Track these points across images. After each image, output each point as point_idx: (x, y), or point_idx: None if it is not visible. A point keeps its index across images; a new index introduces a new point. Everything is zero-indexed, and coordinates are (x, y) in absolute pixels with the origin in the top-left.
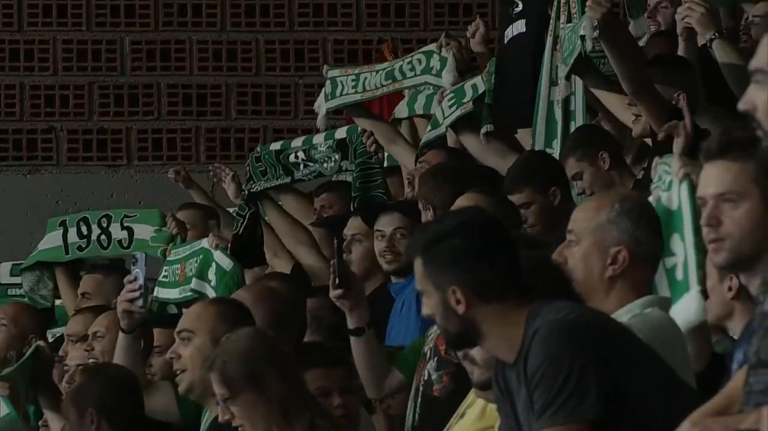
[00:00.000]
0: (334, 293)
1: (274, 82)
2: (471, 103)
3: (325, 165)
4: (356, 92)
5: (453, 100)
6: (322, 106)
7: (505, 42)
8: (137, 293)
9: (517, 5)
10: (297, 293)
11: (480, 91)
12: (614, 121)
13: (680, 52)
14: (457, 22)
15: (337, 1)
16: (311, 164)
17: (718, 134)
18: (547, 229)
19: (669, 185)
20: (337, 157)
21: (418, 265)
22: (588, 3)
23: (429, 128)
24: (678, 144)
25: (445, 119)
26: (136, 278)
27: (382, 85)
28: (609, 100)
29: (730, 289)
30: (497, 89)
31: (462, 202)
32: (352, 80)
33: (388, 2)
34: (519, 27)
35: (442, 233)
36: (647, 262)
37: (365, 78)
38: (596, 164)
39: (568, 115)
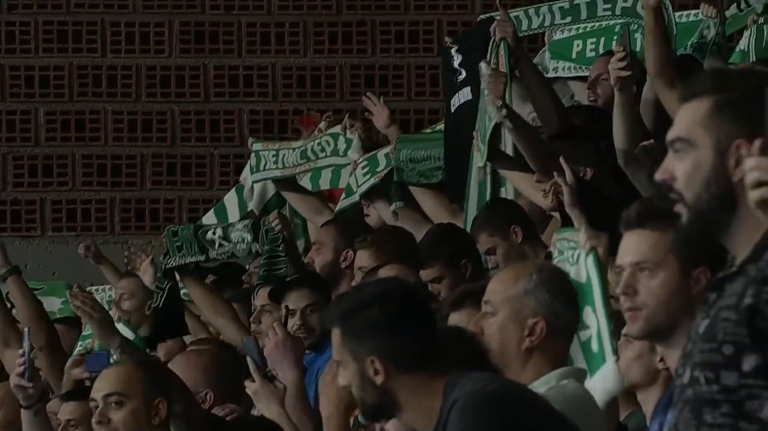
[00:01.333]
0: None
1: (190, 153)
2: (387, 169)
3: (237, 246)
4: (276, 168)
5: (367, 169)
6: (248, 178)
7: (452, 111)
8: (21, 369)
9: (460, 73)
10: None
11: (392, 161)
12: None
13: (616, 103)
14: (374, 92)
15: (252, 72)
16: (226, 243)
17: (637, 204)
18: None
19: (576, 259)
20: (249, 238)
21: (335, 335)
22: (488, 81)
23: (343, 196)
24: (566, 197)
25: (359, 187)
26: (23, 353)
27: (298, 164)
28: (517, 180)
29: (662, 359)
30: (447, 160)
31: (384, 272)
32: (273, 156)
33: (304, 73)
34: (465, 95)
35: (360, 303)
36: (564, 333)
37: (284, 155)
38: (509, 238)
39: (497, 182)
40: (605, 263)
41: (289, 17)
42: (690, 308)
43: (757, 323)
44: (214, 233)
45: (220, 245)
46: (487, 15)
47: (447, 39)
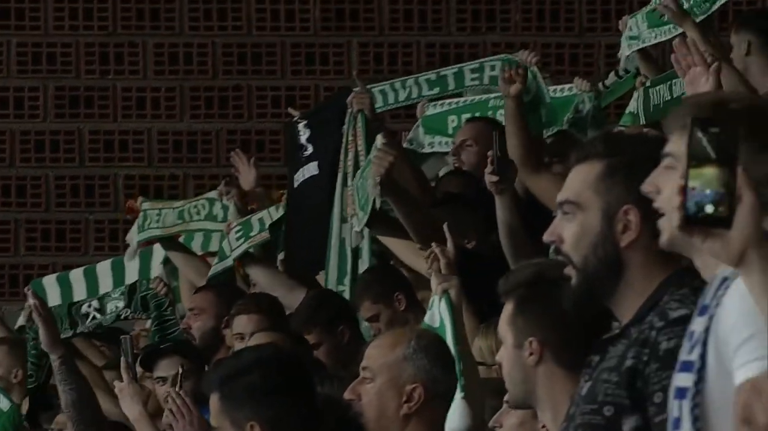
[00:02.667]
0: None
1: (64, 218)
2: (260, 234)
3: (106, 316)
4: (158, 227)
5: (240, 233)
6: (134, 237)
7: (295, 186)
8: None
9: (306, 148)
10: None
11: (267, 225)
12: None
13: (497, 205)
14: (249, 158)
15: (128, 137)
16: (99, 315)
17: (508, 273)
18: (338, 368)
19: (431, 304)
20: (120, 305)
21: (214, 401)
22: (375, 156)
23: (216, 260)
24: (443, 267)
25: (232, 251)
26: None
27: (175, 224)
28: (399, 248)
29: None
30: (289, 233)
31: (258, 339)
32: (157, 215)
33: (180, 138)
34: (311, 169)
35: (239, 369)
36: (442, 399)
37: (165, 214)
38: (392, 305)
39: (356, 252)
40: (458, 305)
41: (165, 82)
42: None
43: (637, 384)
44: (89, 306)
45: (93, 317)
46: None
47: (293, 112)
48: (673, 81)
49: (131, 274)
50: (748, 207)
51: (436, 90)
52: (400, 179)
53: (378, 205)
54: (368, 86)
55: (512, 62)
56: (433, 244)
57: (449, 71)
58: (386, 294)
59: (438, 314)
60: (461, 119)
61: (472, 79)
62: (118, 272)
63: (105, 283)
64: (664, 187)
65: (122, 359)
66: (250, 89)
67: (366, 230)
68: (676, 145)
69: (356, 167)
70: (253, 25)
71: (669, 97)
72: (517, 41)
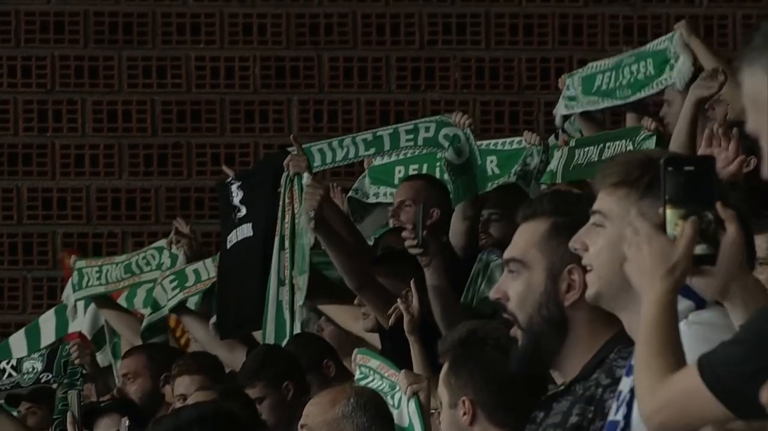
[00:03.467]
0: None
1: (3, 276)
2: (195, 285)
3: (25, 377)
4: (100, 284)
5: (175, 283)
6: (70, 296)
7: (228, 247)
8: None
9: (239, 210)
10: None
11: (203, 278)
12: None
13: (427, 282)
14: (189, 215)
15: (67, 194)
16: (14, 373)
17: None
18: (281, 424)
19: (398, 403)
20: (39, 367)
21: None
22: (306, 193)
23: (149, 310)
24: (407, 323)
25: (168, 301)
26: None
27: (123, 278)
28: (338, 314)
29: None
30: (221, 294)
31: (197, 398)
32: (96, 272)
33: (119, 195)
34: (245, 231)
35: (178, 426)
36: None
37: (107, 270)
38: (321, 371)
39: (293, 314)
40: (427, 408)
41: (104, 139)
42: None
43: None
44: (8, 364)
45: (9, 374)
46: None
47: (227, 171)
48: (607, 144)
49: (47, 335)
50: (730, 240)
51: (372, 150)
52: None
53: (311, 242)
54: (306, 146)
55: (446, 123)
56: (399, 299)
57: (385, 132)
58: (314, 361)
59: (407, 415)
60: (408, 170)
61: (407, 140)
62: (33, 335)
63: (46, 333)
64: (592, 243)
65: (69, 413)
66: (190, 147)
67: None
68: (605, 202)
69: (293, 230)
70: (193, 82)
71: (596, 159)
72: (456, 99)
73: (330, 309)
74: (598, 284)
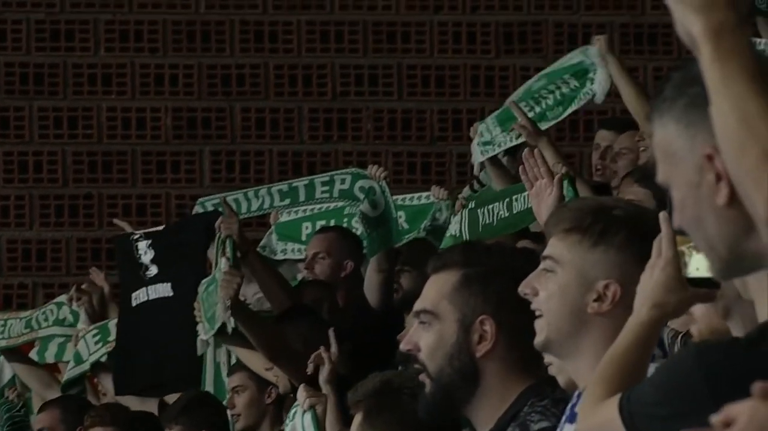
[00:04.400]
0: None
1: None
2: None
3: None
4: (2, 338)
5: (98, 337)
6: None
7: (134, 304)
8: None
9: (148, 268)
10: None
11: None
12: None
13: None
14: (100, 266)
15: None
16: None
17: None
18: None
19: (293, 415)
20: None
21: None
22: (222, 280)
23: (72, 364)
24: (325, 373)
25: (90, 355)
26: None
27: (23, 333)
28: (248, 358)
29: None
30: (121, 350)
31: None
32: (1, 326)
33: (29, 246)
34: (161, 290)
35: None
36: None
37: (11, 325)
38: None
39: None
40: (323, 421)
41: (15, 190)
42: None
43: None
44: None
45: None
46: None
47: (122, 224)
48: (514, 197)
49: None
50: None
51: (287, 201)
52: (265, 288)
53: (230, 329)
54: (221, 195)
55: (362, 176)
56: (322, 348)
57: (300, 183)
58: (195, 424)
59: (300, 426)
60: (315, 226)
61: (323, 192)
62: None
63: None
64: (542, 289)
65: None
66: (101, 197)
67: (211, 339)
68: (557, 248)
69: None
70: (104, 133)
71: (506, 214)
72: (369, 150)
73: (240, 351)
74: (547, 330)
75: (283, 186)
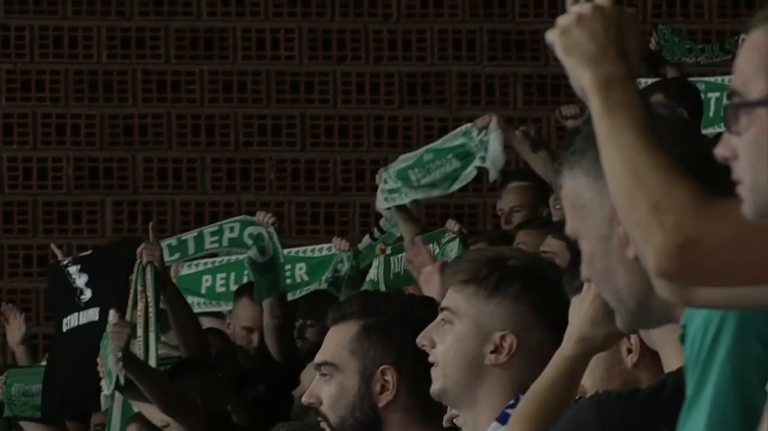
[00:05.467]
0: None
1: None
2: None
3: None
4: None
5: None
6: None
7: (64, 329)
8: None
9: (83, 293)
10: None
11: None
12: None
13: None
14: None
15: None
16: None
17: None
18: None
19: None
20: None
21: None
22: (112, 332)
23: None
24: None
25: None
26: None
27: None
28: (149, 412)
29: None
30: (51, 375)
31: None
32: None
33: None
34: (90, 315)
35: None
36: None
37: None
38: None
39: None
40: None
41: None
42: None
43: None
44: None
45: None
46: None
47: (61, 257)
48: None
49: None
50: None
51: (177, 256)
52: (178, 325)
53: (122, 381)
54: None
55: (250, 223)
56: None
57: (189, 236)
58: None
59: None
60: (216, 279)
61: (212, 242)
62: None
63: None
64: (440, 341)
65: None
66: (2, 248)
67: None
68: (454, 299)
69: (146, 318)
70: (5, 182)
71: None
72: (272, 200)
73: (141, 406)
74: (443, 380)
75: (172, 241)
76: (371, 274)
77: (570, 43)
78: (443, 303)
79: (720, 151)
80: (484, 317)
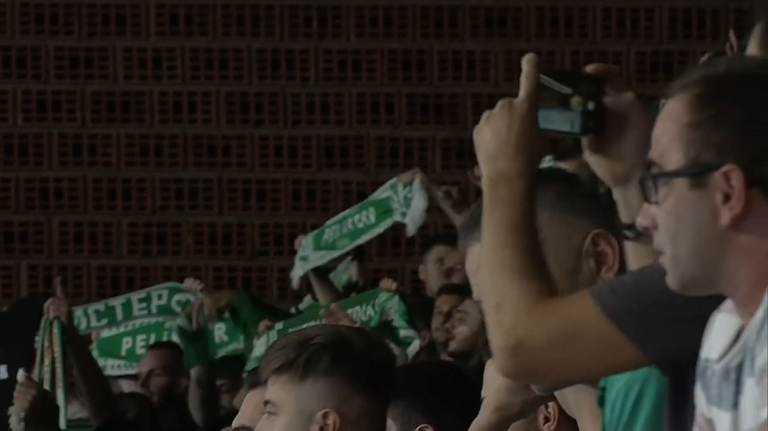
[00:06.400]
0: None
1: None
2: None
3: None
4: None
5: None
6: None
7: None
8: None
9: None
10: None
11: None
12: None
13: None
14: None
15: None
16: None
17: None
18: None
19: None
20: None
21: None
22: (17, 392)
23: None
24: None
25: None
26: None
27: None
28: None
29: None
30: None
31: None
32: None
33: None
34: (2, 372)
35: None
36: None
37: None
38: None
39: None
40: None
41: None
42: None
43: None
44: None
45: None
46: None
47: None
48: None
49: None
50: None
51: (104, 322)
52: (86, 382)
53: None
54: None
55: (179, 290)
56: None
57: (117, 302)
58: None
59: None
60: (136, 341)
61: (140, 309)
62: None
63: None
64: None
65: None
66: None
67: None
68: (272, 392)
69: (53, 374)
70: None
71: None
72: (189, 264)
73: None
74: None
75: (100, 306)
76: (257, 351)
77: (479, 141)
78: (265, 397)
79: (640, 221)
80: (303, 401)
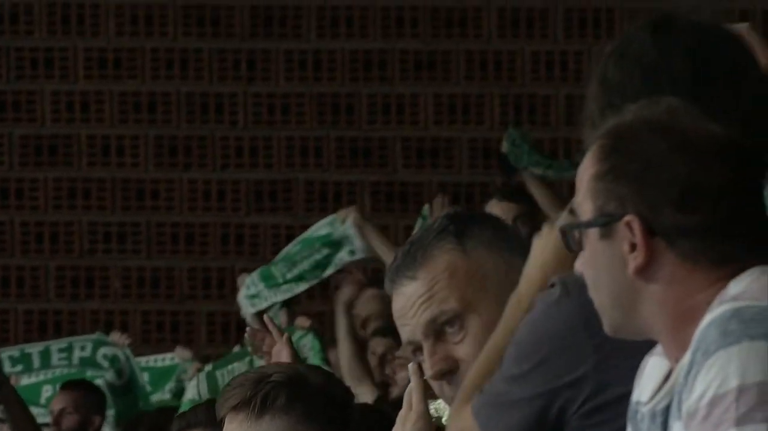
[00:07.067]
0: None
1: None
2: None
3: None
4: None
5: None
6: None
7: None
8: None
9: None
10: None
11: None
12: None
13: None
14: None
15: None
16: None
17: None
18: None
19: None
20: None
21: None
22: None
23: None
24: None
25: None
26: None
27: None
28: None
29: None
30: None
31: None
32: None
33: None
34: None
35: None
36: None
37: None
38: None
39: None
40: None
41: None
42: None
43: None
44: None
45: None
46: None
47: None
48: (235, 366)
49: None
50: None
51: (19, 368)
52: (14, 425)
53: None
54: None
55: (104, 343)
56: None
57: (35, 349)
58: None
59: None
60: (56, 389)
61: (61, 359)
62: None
63: None
64: None
65: None
66: None
67: None
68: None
69: None
70: None
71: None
72: (117, 308)
73: None
74: None
75: (14, 352)
76: (189, 394)
77: None
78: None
79: (576, 267)
80: None
